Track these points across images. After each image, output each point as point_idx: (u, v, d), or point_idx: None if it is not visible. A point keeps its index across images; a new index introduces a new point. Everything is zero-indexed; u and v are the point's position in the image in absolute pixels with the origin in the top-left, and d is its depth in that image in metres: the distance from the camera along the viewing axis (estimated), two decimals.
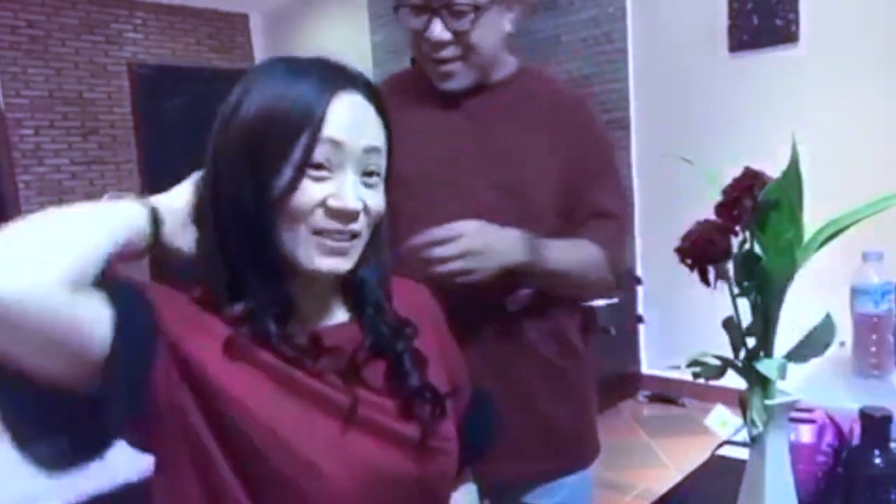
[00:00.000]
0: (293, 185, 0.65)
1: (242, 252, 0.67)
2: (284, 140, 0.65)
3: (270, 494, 0.64)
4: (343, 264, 0.70)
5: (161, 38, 5.36)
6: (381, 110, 0.73)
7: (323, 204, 0.67)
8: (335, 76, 0.69)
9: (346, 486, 0.66)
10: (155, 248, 0.67)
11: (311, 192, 0.66)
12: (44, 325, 0.53)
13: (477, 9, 1.00)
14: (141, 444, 0.66)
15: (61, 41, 4.85)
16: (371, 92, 0.72)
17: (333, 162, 0.67)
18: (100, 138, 5.03)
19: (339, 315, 0.76)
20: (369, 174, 0.70)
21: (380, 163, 0.71)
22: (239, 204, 0.66)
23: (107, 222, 0.61)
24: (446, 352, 0.86)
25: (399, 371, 0.74)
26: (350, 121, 0.68)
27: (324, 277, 0.71)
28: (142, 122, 5.17)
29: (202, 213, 0.70)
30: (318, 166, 0.66)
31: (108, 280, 0.59)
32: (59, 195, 4.83)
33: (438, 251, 0.91)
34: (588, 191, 1.10)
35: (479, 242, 0.93)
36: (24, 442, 0.58)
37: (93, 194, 4.77)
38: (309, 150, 0.65)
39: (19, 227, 0.55)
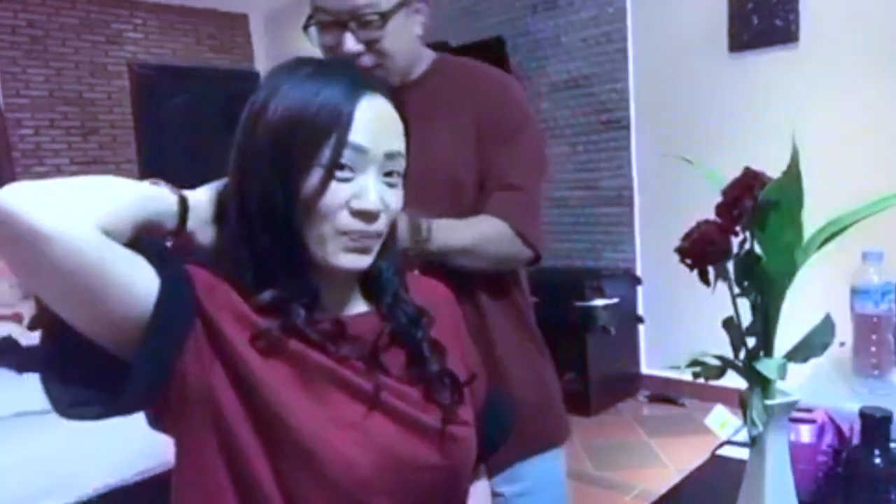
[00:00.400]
0: (322, 186, 0.67)
1: (270, 248, 0.69)
2: (314, 143, 0.67)
3: (295, 476, 0.66)
4: (365, 261, 0.73)
5: (161, 38, 5.36)
6: (402, 115, 0.75)
7: (346, 205, 0.69)
8: (361, 80, 0.71)
9: (368, 470, 0.67)
10: (179, 234, 0.69)
11: (336, 193, 0.68)
12: (81, 265, 0.56)
13: (383, 16, 1.04)
14: (165, 423, 0.68)
15: (61, 41, 4.85)
16: (392, 96, 0.74)
17: (357, 164, 0.69)
18: (100, 138, 5.03)
19: (359, 306, 0.79)
20: (389, 174, 0.72)
21: (400, 164, 0.74)
22: (268, 203, 0.68)
23: (141, 192, 0.64)
24: (464, 347, 0.88)
25: (418, 358, 0.76)
26: (375, 125, 0.70)
27: (346, 273, 0.73)
28: (142, 122, 5.17)
29: (228, 210, 0.71)
30: (343, 168, 0.68)
31: (156, 250, 0.64)
32: None
33: None
34: (495, 162, 1.13)
35: None
36: (49, 381, 0.62)
37: None
38: (337, 153, 0.67)
39: (60, 180, 0.59)
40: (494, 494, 1.18)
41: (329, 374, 0.69)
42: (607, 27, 3.83)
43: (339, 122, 0.67)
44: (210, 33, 5.65)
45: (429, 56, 1.19)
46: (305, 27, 1.09)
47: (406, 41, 1.11)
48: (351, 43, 1.05)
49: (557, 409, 1.28)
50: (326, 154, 0.67)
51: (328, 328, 0.71)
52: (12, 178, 4.45)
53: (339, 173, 0.68)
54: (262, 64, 5.91)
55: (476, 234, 1.08)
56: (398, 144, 0.73)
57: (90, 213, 0.57)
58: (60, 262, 0.55)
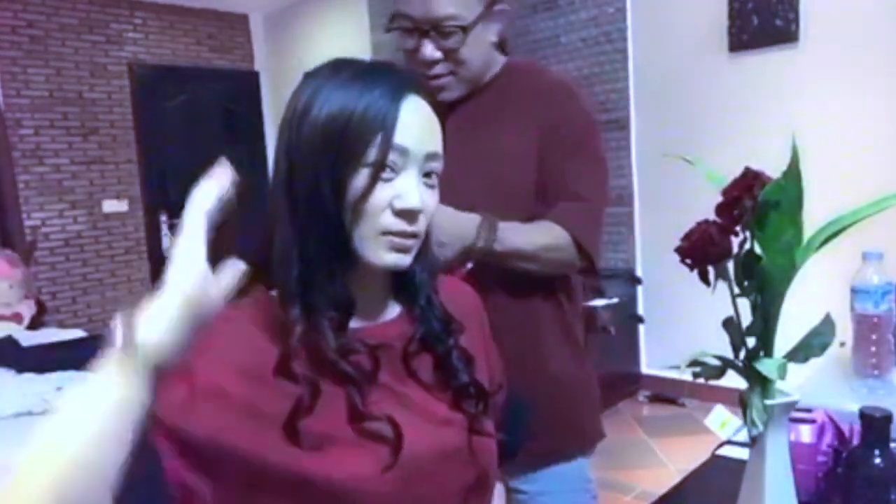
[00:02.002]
0: (370, 186, 0.68)
1: (318, 246, 0.69)
2: (361, 143, 0.68)
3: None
4: (405, 260, 0.73)
5: (161, 38, 5.36)
6: (441, 116, 0.75)
7: (389, 205, 0.70)
8: (403, 81, 0.72)
9: (391, 489, 0.67)
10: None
11: (379, 193, 0.69)
12: None
13: (464, 29, 1.06)
14: None
15: (61, 41, 4.85)
16: (433, 99, 0.75)
17: (399, 165, 0.70)
18: (100, 138, 5.02)
19: (391, 310, 0.79)
20: (428, 174, 0.73)
21: (439, 165, 0.74)
22: (318, 200, 0.68)
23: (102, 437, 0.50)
24: (488, 352, 0.89)
25: (447, 366, 0.77)
26: (417, 127, 0.71)
27: (386, 270, 0.74)
28: (142, 122, 5.17)
29: (277, 208, 0.71)
30: (386, 168, 0.69)
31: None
32: (59, 195, 4.83)
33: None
34: (559, 171, 1.13)
35: (446, 231, 0.98)
36: None
37: (93, 194, 4.72)
38: (384, 154, 0.68)
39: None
40: (518, 492, 1.19)
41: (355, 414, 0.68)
42: (607, 27, 3.83)
43: (385, 124, 0.68)
44: (210, 33, 5.65)
45: (500, 60, 1.19)
46: (388, 30, 1.12)
47: (482, 51, 1.12)
48: (429, 50, 1.08)
49: (596, 416, 1.31)
50: (372, 155, 0.68)
51: (362, 359, 0.70)
52: (12, 178, 4.45)
53: (382, 174, 0.69)
54: (262, 64, 5.91)
55: (538, 239, 1.10)
56: (438, 146, 0.74)
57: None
58: None
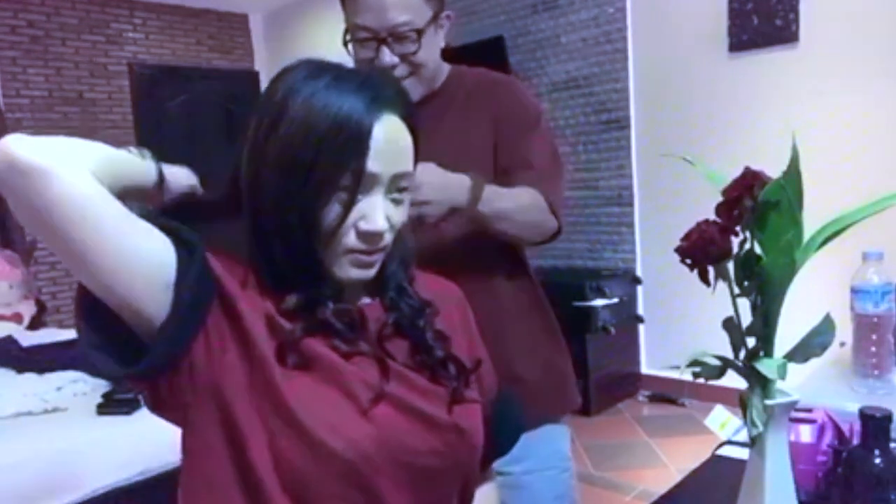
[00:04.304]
0: (343, 215, 0.69)
1: (284, 257, 0.71)
2: (332, 170, 0.68)
3: (295, 456, 0.66)
4: (370, 273, 0.75)
5: (161, 38, 5.36)
6: (412, 127, 0.75)
7: (354, 226, 0.71)
8: (379, 97, 0.71)
9: (370, 447, 0.68)
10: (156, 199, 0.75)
11: (344, 215, 0.70)
12: (82, 208, 0.59)
13: (419, 32, 1.14)
14: (165, 406, 0.68)
15: (61, 41, 4.85)
16: (406, 109, 0.75)
17: (367, 188, 0.70)
18: (100, 138, 5.01)
19: (364, 299, 0.80)
20: (399, 190, 0.74)
21: (408, 181, 0.75)
22: (284, 222, 0.69)
23: (120, 153, 0.72)
24: (473, 343, 0.89)
25: (422, 346, 0.78)
26: (388, 149, 0.71)
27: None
28: (142, 122, 5.17)
29: (243, 206, 0.73)
30: (357, 191, 0.70)
31: (170, 224, 0.66)
32: None
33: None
34: (519, 147, 1.23)
35: (435, 188, 1.03)
36: (89, 350, 0.64)
37: None
38: (356, 183, 0.69)
39: (52, 138, 0.62)
40: (503, 474, 1.20)
41: (337, 368, 0.70)
42: (607, 27, 3.83)
43: (358, 150, 0.68)
44: (210, 33, 5.65)
45: (446, 68, 1.28)
46: (345, 43, 1.19)
47: (434, 52, 1.21)
48: (388, 56, 1.15)
49: (565, 387, 1.34)
50: (345, 180, 0.68)
51: (352, 317, 0.73)
52: None
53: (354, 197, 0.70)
54: (262, 64, 5.90)
55: (517, 200, 1.16)
56: (406, 164, 0.74)
57: (82, 160, 0.61)
58: (61, 202, 0.58)
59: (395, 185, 0.73)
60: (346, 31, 1.19)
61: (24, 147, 0.58)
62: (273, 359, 0.67)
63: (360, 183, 0.69)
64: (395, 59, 1.15)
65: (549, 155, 1.27)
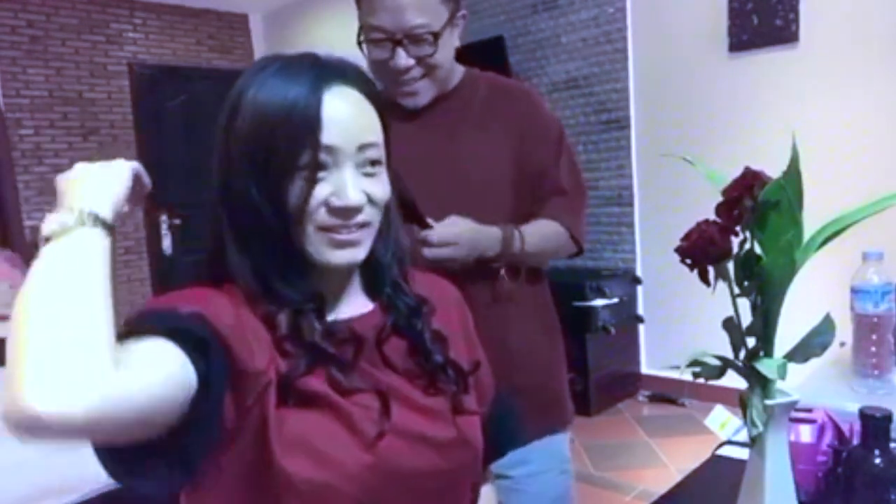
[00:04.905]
0: (307, 192, 0.68)
1: (265, 254, 0.70)
2: (290, 151, 0.67)
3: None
4: (356, 254, 0.72)
5: (161, 38, 5.36)
6: (375, 100, 0.73)
7: (325, 202, 0.69)
8: (325, 72, 0.70)
9: (371, 480, 0.66)
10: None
11: (315, 193, 0.68)
12: (124, 415, 0.51)
13: (435, 35, 1.12)
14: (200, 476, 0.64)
15: (61, 41, 4.85)
16: (364, 83, 0.73)
17: (331, 162, 0.69)
18: (100, 138, 5.03)
19: (361, 301, 0.79)
20: (370, 163, 0.71)
21: (377, 153, 0.72)
22: (255, 213, 0.68)
23: (85, 271, 0.56)
24: (471, 345, 0.88)
25: (421, 349, 0.77)
26: (344, 120, 0.69)
27: (340, 270, 0.73)
28: (142, 122, 5.17)
29: (219, 221, 0.71)
30: (319, 168, 0.68)
31: (164, 322, 0.59)
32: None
33: (434, 253, 1.04)
34: (545, 173, 1.24)
35: (466, 245, 1.07)
36: (126, 479, 0.59)
37: None
38: (314, 157, 0.67)
39: (25, 344, 0.49)
40: (503, 477, 1.20)
41: (337, 406, 0.68)
42: (607, 27, 3.83)
43: (310, 127, 0.67)
44: (210, 33, 5.65)
45: (460, 70, 1.27)
46: (359, 43, 1.16)
47: (450, 54, 1.20)
48: (403, 59, 1.13)
49: (563, 398, 1.34)
50: (303, 160, 0.67)
51: (345, 337, 0.71)
52: (12, 178, 4.45)
53: (316, 175, 0.68)
54: None
55: (544, 238, 1.21)
56: (371, 135, 0.72)
57: (100, 383, 0.49)
58: (108, 430, 0.51)
59: (364, 158, 0.71)
60: (361, 31, 1.16)
61: (45, 402, 0.46)
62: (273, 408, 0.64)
63: (319, 157, 0.67)
64: (411, 62, 1.14)
65: (576, 177, 1.29)
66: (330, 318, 0.74)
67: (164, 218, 5.15)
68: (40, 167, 4.75)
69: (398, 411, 0.70)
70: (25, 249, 4.33)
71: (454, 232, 1.08)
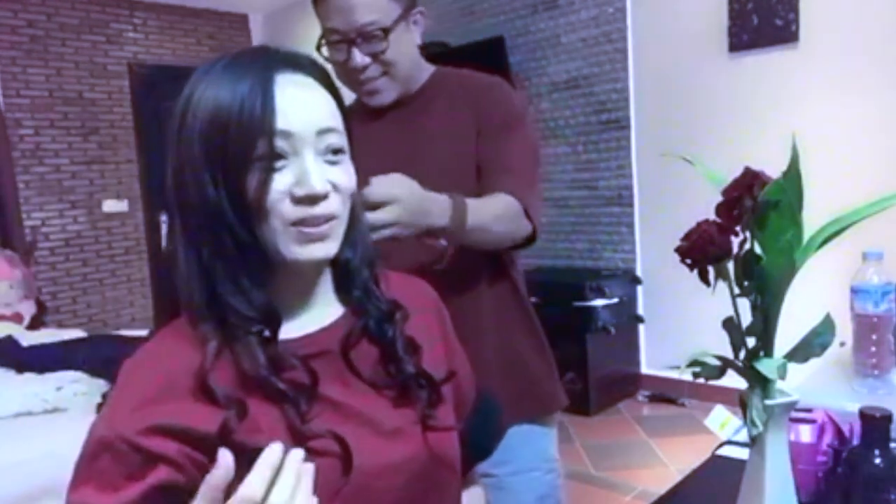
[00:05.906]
0: (264, 180, 0.64)
1: (220, 259, 0.66)
2: (244, 141, 0.64)
3: None
4: (326, 249, 0.69)
5: (161, 38, 5.36)
6: (330, 88, 0.71)
7: (289, 193, 0.66)
8: (274, 62, 0.67)
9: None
10: None
11: (276, 184, 0.65)
12: None
13: (385, 31, 1.15)
14: None
15: (61, 41, 4.85)
16: (317, 70, 0.71)
17: (289, 150, 0.66)
18: (100, 138, 5.03)
19: (333, 312, 0.75)
20: (332, 152, 0.69)
21: (338, 139, 0.69)
22: (214, 214, 0.64)
23: None
24: (449, 348, 0.85)
25: (392, 357, 0.74)
26: (299, 104, 0.67)
27: (311, 267, 0.70)
28: (142, 122, 5.17)
29: (173, 228, 0.68)
30: (277, 157, 0.65)
31: None
32: (59, 195, 4.83)
33: (373, 216, 0.93)
34: (496, 150, 1.21)
35: (409, 207, 0.98)
36: None
37: (93, 194, 4.73)
38: (269, 144, 0.64)
39: None
40: (487, 475, 1.20)
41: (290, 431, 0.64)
42: (607, 27, 3.83)
43: (263, 114, 0.64)
44: (210, 33, 5.65)
45: (428, 69, 1.29)
46: (318, 47, 1.18)
47: (407, 50, 1.21)
48: (359, 57, 1.16)
49: (541, 383, 1.31)
50: (260, 149, 0.64)
51: (297, 374, 0.66)
52: (12, 178, 4.45)
53: (274, 164, 0.65)
54: None
55: (493, 211, 1.13)
56: (330, 120, 0.69)
57: None
58: None
59: (325, 145, 0.68)
60: (321, 36, 1.20)
61: None
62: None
63: (275, 143, 0.64)
64: (367, 60, 1.17)
65: (528, 157, 1.24)
66: (296, 329, 0.70)
67: (164, 218, 5.15)
68: (40, 167, 4.75)
69: (360, 444, 0.66)
70: (25, 249, 4.33)
71: (395, 191, 0.98)
